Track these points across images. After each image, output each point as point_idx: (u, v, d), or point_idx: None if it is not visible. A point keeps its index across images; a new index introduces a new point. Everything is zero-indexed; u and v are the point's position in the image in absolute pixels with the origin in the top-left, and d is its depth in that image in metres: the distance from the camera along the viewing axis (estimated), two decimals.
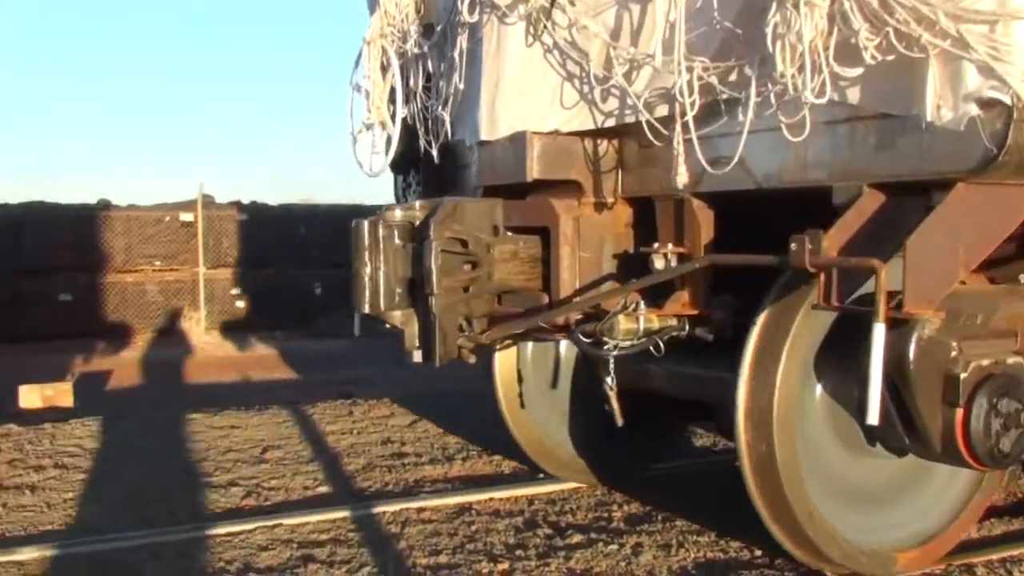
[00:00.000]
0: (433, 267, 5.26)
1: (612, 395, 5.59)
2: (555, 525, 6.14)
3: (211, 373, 15.11)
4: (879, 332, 4.27)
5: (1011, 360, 5.13)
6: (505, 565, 5.42)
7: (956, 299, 5.00)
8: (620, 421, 5.66)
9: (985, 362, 5.04)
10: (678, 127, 4.99)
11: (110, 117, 54.47)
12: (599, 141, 5.64)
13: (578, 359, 6.68)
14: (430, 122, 6.33)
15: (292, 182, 55.48)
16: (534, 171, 5.54)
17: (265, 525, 6.04)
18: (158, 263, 20.50)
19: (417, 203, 5.65)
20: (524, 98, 5.62)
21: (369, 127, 6.64)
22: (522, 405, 6.64)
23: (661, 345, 5.37)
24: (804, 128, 4.61)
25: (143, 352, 18.05)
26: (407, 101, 6.47)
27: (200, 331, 19.63)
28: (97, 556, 5.58)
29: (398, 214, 5.61)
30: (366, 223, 5.54)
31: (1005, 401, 5.05)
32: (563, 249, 5.62)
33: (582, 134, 5.61)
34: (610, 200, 5.74)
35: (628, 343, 5.35)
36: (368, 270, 5.50)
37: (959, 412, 5.00)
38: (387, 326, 5.62)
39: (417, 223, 5.55)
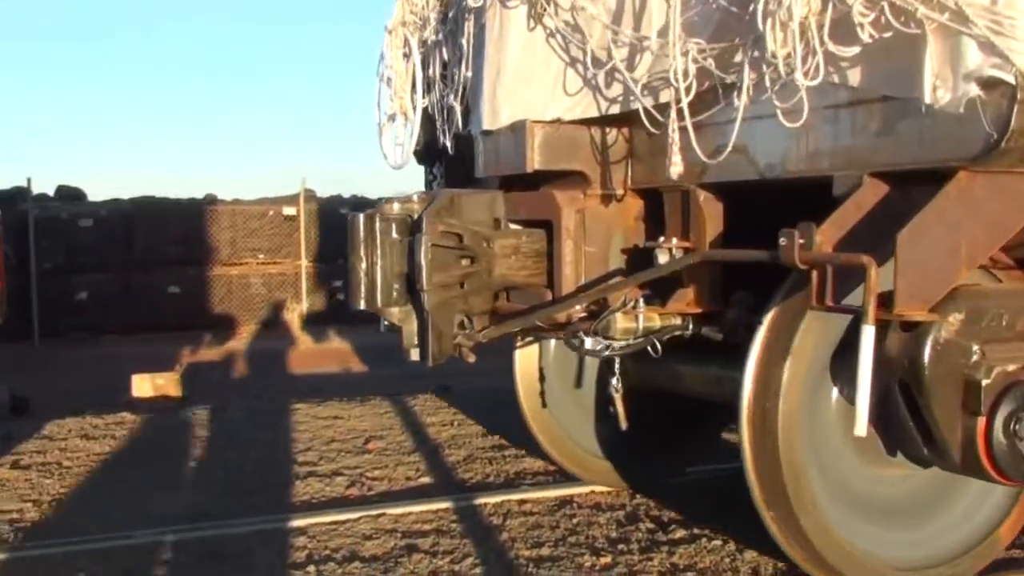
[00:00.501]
0: (423, 262, 4.98)
1: (617, 397, 5.25)
2: (657, 519, 6.01)
3: (313, 364, 15.25)
4: (868, 336, 3.86)
5: None
6: (607, 558, 5.32)
7: (980, 298, 4.56)
8: (624, 424, 5.32)
9: (1012, 367, 4.56)
10: (673, 114, 4.63)
11: (217, 114, 55.51)
12: (607, 130, 5.29)
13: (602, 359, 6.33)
14: (445, 112, 6.04)
15: (393, 176, 55.67)
16: (535, 162, 5.23)
17: (369, 515, 6.08)
18: (262, 256, 20.70)
19: (415, 195, 5.37)
20: (525, 85, 5.31)
21: (392, 118, 6.38)
22: (544, 404, 6.32)
23: (658, 345, 5.00)
24: (801, 114, 4.20)
25: (247, 343, 18.39)
26: (428, 91, 6.19)
27: (302, 323, 19.70)
28: (208, 541, 5.66)
29: (396, 207, 5.35)
30: (362, 217, 5.30)
31: None
32: (565, 243, 5.30)
33: (588, 122, 5.26)
34: (619, 192, 5.40)
35: (623, 343, 5.01)
36: (364, 265, 5.25)
37: (981, 421, 4.55)
38: (385, 323, 5.37)
39: (415, 217, 5.27)
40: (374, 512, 6.11)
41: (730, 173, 4.79)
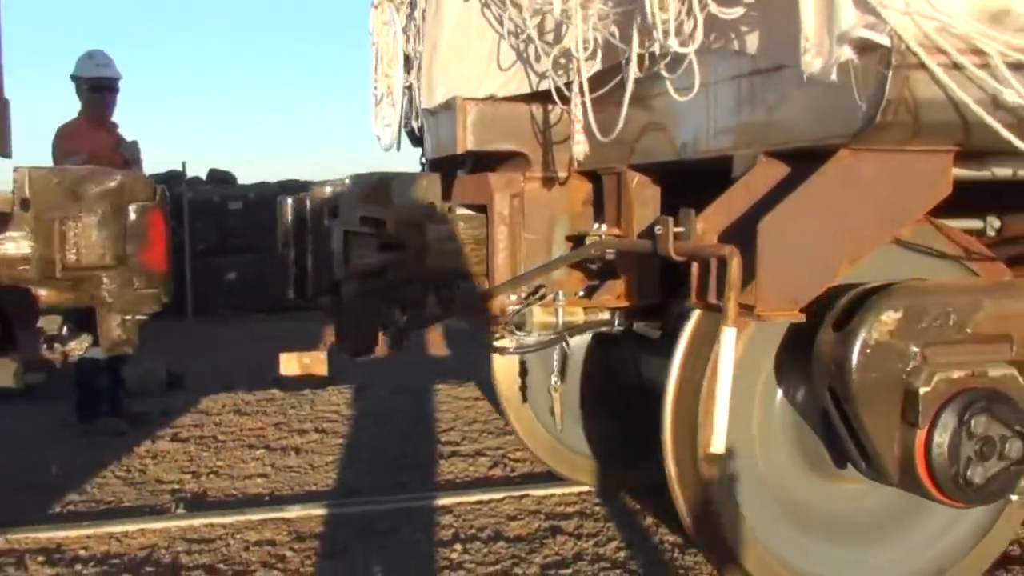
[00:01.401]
0: (336, 250, 4.64)
1: (556, 396, 4.83)
2: None
3: (454, 345, 15.11)
4: (727, 340, 3.33)
5: (996, 372, 3.99)
6: None
7: (921, 294, 3.96)
8: (559, 425, 4.88)
9: (957, 374, 3.94)
10: (575, 87, 4.17)
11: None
12: (550, 107, 4.83)
13: (589, 351, 5.89)
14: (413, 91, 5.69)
15: None
16: (467, 142, 4.82)
17: (513, 495, 6.01)
18: None
19: (348, 179, 5.03)
20: (460, 60, 4.89)
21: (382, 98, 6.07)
22: (524, 399, 5.90)
23: (568, 342, 4.54)
24: (692, 86, 3.69)
25: None
26: (409, 69, 5.85)
27: None
28: (357, 517, 5.69)
29: (327, 191, 5.02)
30: (290, 201, 4.99)
31: (982, 422, 3.93)
32: (499, 230, 4.86)
33: (528, 99, 4.82)
34: (562, 175, 4.92)
35: (536, 340, 4.57)
36: (292, 253, 4.93)
37: (920, 434, 3.94)
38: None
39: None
40: (517, 493, 6.05)
41: (652, 154, 4.29)
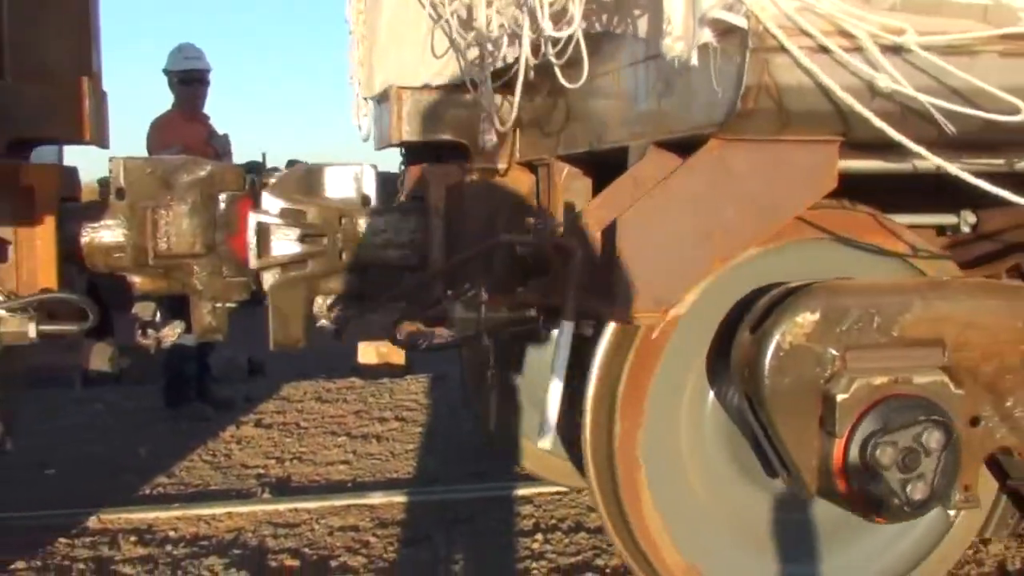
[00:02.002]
0: (250, 241, 4.52)
1: (491, 394, 4.65)
2: None
3: None
4: (565, 333, 3.12)
5: (924, 379, 3.70)
6: None
7: (842, 295, 3.69)
8: (492, 425, 4.70)
9: (880, 380, 3.65)
10: (487, 76, 3.98)
11: None
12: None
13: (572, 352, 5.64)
14: None
15: None
16: (402, 132, 4.66)
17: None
18: None
19: (285, 170, 4.91)
20: (398, 48, 4.73)
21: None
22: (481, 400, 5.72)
23: (485, 338, 4.34)
24: (580, 72, 3.48)
25: None
26: None
27: None
28: (438, 505, 5.72)
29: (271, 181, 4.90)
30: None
31: (904, 432, 3.64)
32: (433, 223, 4.69)
33: (465, 88, 4.64)
34: (502, 166, 4.72)
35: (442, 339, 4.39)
36: None
37: (838, 444, 3.67)
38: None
39: None
40: None
41: (572, 145, 4.08)
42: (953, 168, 2.82)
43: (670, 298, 3.15)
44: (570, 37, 3.25)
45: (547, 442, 3.27)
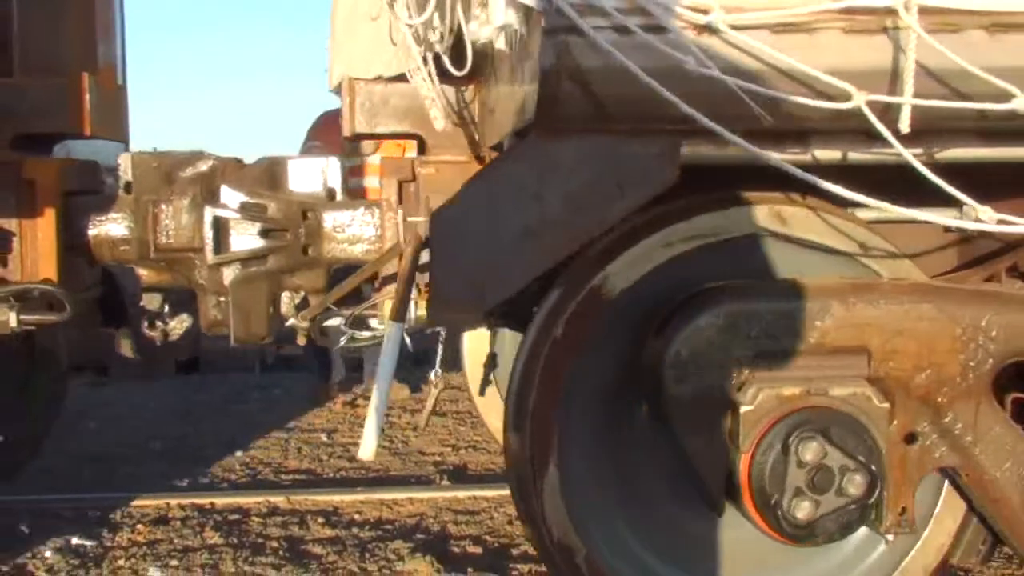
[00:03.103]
0: (206, 235, 4.49)
1: (434, 392, 4.51)
2: None
3: None
4: (392, 335, 2.94)
5: (842, 390, 3.36)
6: None
7: (749, 297, 3.40)
8: (424, 423, 4.54)
9: (789, 390, 3.34)
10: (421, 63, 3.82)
11: None
12: (445, 87, 4.47)
13: None
14: None
15: None
16: (356, 124, 4.55)
17: None
18: None
19: (252, 162, 4.86)
20: (352, 39, 4.61)
21: None
22: (482, 392, 5.57)
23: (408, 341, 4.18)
24: (464, 61, 3.29)
25: None
26: None
27: None
28: None
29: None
30: None
31: (813, 448, 3.33)
32: (386, 217, 4.56)
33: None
34: (462, 158, 4.55)
35: (369, 335, 4.26)
36: None
37: (744, 459, 3.38)
38: None
39: None
40: None
41: (492, 137, 3.89)
42: (775, 158, 2.48)
43: (492, 298, 2.90)
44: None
45: (368, 452, 3.09)
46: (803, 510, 3.24)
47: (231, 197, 4.41)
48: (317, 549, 4.75)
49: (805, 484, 3.26)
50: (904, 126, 2.58)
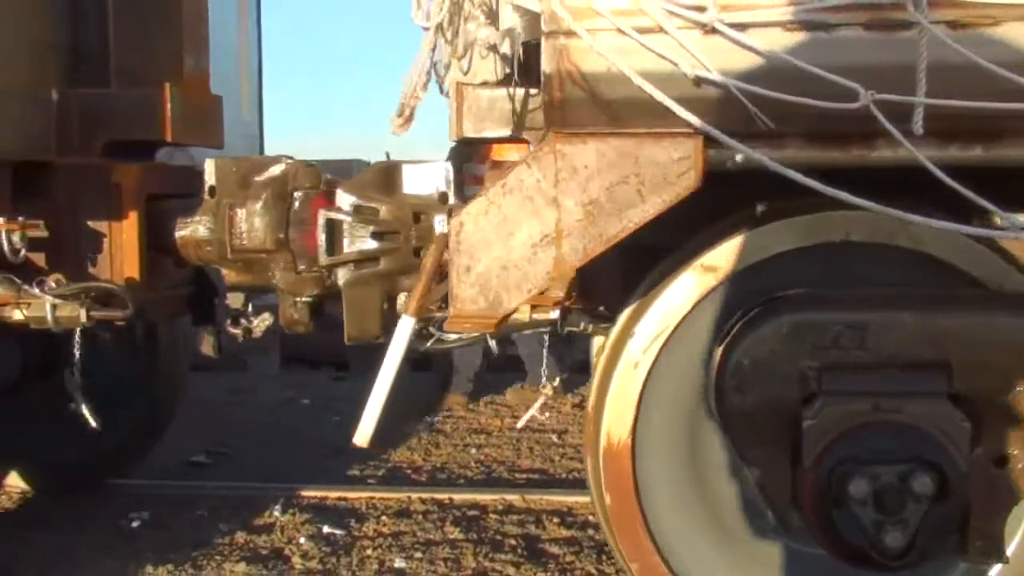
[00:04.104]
0: (320, 238, 4.64)
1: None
2: None
3: None
4: (402, 328, 3.00)
5: (916, 408, 3.20)
6: None
7: (817, 306, 3.29)
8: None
9: (857, 406, 3.24)
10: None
11: None
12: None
13: None
14: None
15: None
16: (463, 128, 4.60)
17: None
18: None
19: (373, 167, 4.98)
20: None
21: None
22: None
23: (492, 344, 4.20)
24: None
25: None
26: None
27: None
28: None
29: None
30: None
31: (881, 470, 3.18)
32: None
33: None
34: None
35: (454, 337, 4.28)
36: None
37: (807, 475, 3.27)
38: None
39: None
40: None
41: None
42: (772, 164, 2.37)
43: (506, 303, 2.90)
44: None
45: (363, 438, 3.13)
46: (884, 534, 3.04)
47: (345, 200, 4.50)
48: (554, 549, 4.95)
49: (874, 506, 3.04)
50: (918, 127, 2.39)
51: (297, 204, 4.53)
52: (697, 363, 3.41)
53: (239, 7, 9.20)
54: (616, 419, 3.43)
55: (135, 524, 5.26)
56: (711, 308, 3.35)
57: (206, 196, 4.64)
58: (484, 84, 4.42)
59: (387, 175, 4.69)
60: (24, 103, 4.26)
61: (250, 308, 6.48)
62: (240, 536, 5.07)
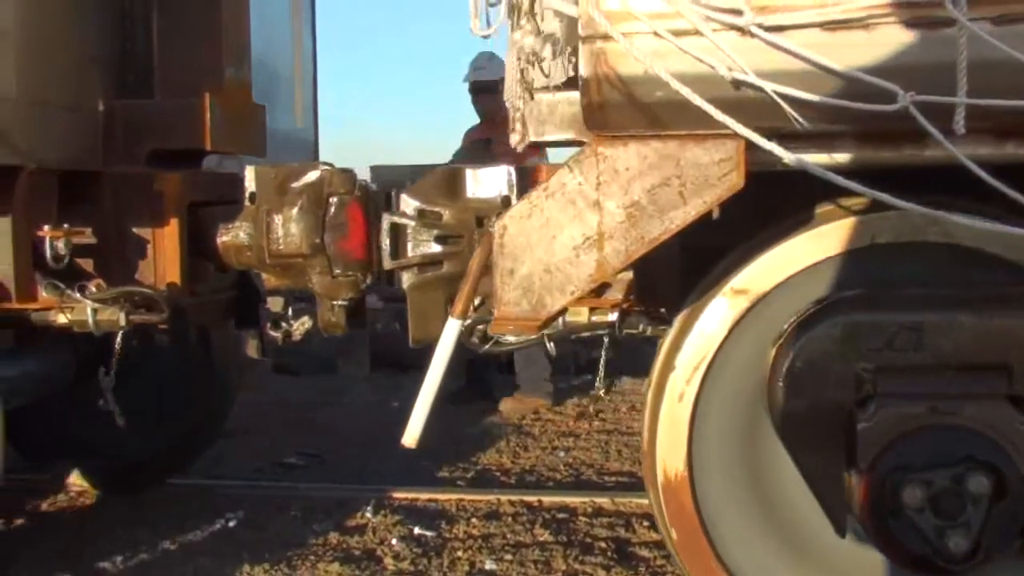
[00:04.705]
0: (383, 242, 4.71)
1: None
2: None
3: None
4: (449, 330, 3.03)
5: (975, 410, 3.16)
6: None
7: (873, 307, 3.28)
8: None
9: (914, 408, 3.21)
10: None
11: None
12: None
13: None
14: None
15: None
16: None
17: None
18: None
19: (438, 170, 5.04)
20: None
21: None
22: None
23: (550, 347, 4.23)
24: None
25: None
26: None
27: None
28: None
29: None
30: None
31: (938, 473, 3.16)
32: None
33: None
34: None
35: (512, 339, 4.32)
36: None
37: (862, 479, 3.25)
38: None
39: None
40: None
41: None
42: (811, 166, 2.36)
43: (550, 306, 2.94)
44: None
45: (412, 439, 3.17)
46: (944, 537, 3.04)
47: (408, 204, 4.56)
48: (645, 552, 4.97)
49: (931, 511, 3.02)
50: (960, 127, 2.35)
51: (333, 209, 4.63)
52: (743, 386, 3.43)
53: (293, 18, 9.36)
54: (670, 453, 3.47)
55: (231, 524, 5.42)
56: (748, 331, 3.36)
57: (247, 202, 4.80)
58: (544, 89, 4.46)
59: (450, 180, 4.75)
60: (72, 115, 4.49)
61: (290, 311, 6.61)
62: (333, 537, 5.22)
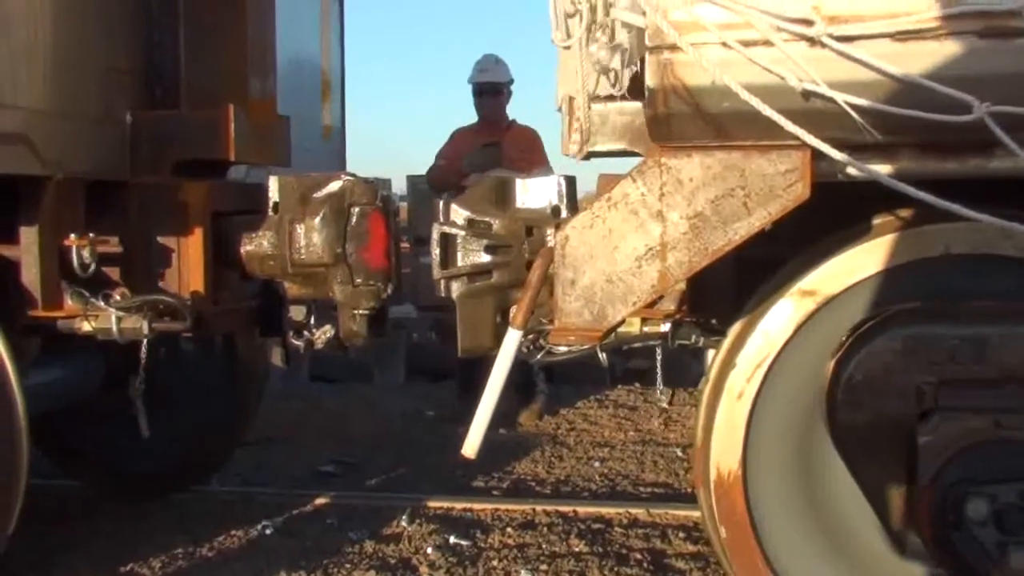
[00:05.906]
0: (433, 253, 4.73)
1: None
2: None
3: None
4: (510, 341, 3.15)
5: None
6: None
7: (933, 320, 3.31)
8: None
9: (977, 422, 3.21)
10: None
11: None
12: None
13: None
14: None
15: None
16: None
17: None
18: None
19: (487, 180, 5.06)
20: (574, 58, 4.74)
21: None
22: None
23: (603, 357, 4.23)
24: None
25: None
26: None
27: None
28: None
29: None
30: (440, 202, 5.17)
31: (1003, 489, 3.16)
32: None
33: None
34: None
35: (563, 349, 4.32)
36: None
37: (924, 493, 3.25)
38: None
39: None
40: None
41: None
42: (887, 179, 2.36)
43: (611, 316, 2.96)
44: None
45: (472, 450, 3.20)
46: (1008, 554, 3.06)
47: (458, 214, 4.57)
48: (680, 564, 5.01)
49: (994, 525, 3.02)
50: None
51: (354, 219, 4.75)
52: (803, 388, 3.44)
53: (322, 33, 9.43)
54: (725, 451, 3.54)
55: (268, 531, 5.51)
56: (813, 333, 3.39)
57: (270, 212, 4.92)
58: (596, 99, 4.47)
59: (500, 189, 4.77)
60: (99, 126, 4.61)
61: (312, 320, 6.57)
62: (369, 545, 5.30)
